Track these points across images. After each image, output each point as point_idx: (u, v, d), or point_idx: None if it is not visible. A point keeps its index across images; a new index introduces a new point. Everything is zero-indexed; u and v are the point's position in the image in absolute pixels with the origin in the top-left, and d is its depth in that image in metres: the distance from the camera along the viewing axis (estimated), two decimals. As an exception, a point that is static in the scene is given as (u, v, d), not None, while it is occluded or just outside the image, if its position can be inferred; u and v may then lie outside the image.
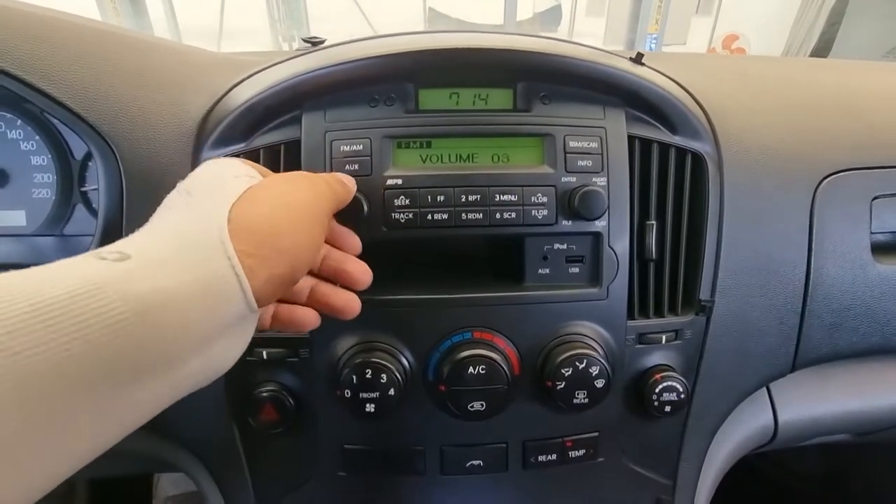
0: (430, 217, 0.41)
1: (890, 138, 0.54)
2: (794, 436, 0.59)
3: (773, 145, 0.51)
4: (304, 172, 0.37)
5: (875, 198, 0.53)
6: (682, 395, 0.46)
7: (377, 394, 0.40)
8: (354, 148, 0.41)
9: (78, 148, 0.59)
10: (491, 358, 0.41)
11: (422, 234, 0.42)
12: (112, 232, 0.44)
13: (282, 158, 0.43)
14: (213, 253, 0.26)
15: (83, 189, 0.59)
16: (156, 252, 0.26)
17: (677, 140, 0.46)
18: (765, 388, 0.57)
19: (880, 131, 0.55)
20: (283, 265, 0.29)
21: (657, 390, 0.45)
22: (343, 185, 0.38)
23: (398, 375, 0.41)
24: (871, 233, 0.53)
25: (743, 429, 0.56)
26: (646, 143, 0.46)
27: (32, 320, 0.18)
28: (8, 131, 0.58)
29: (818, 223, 0.50)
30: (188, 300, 0.24)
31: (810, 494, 1.04)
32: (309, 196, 0.33)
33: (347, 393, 0.40)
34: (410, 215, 0.41)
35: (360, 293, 0.43)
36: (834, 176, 0.52)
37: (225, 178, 0.32)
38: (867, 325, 0.53)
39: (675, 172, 0.46)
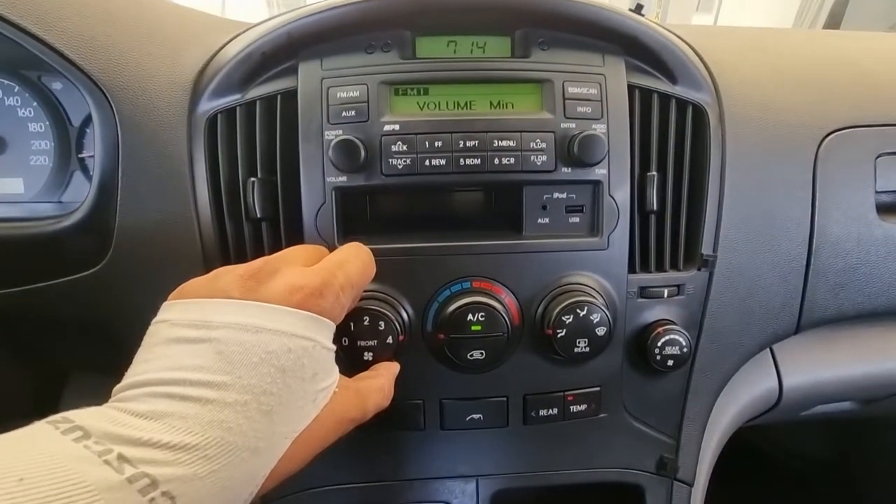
0: (427, 163, 0.41)
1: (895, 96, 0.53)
2: (798, 401, 0.58)
3: (775, 99, 0.50)
4: None
5: (879, 156, 0.52)
6: (685, 349, 0.45)
7: (375, 342, 0.40)
8: (351, 94, 0.41)
9: (76, 114, 0.58)
10: (490, 305, 0.41)
11: (420, 181, 0.41)
12: (106, 192, 0.44)
13: (278, 108, 0.43)
14: None
15: (81, 156, 0.59)
16: None
17: (678, 90, 0.46)
18: (769, 352, 0.56)
19: (885, 89, 0.54)
20: None
21: (660, 343, 0.45)
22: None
23: (397, 324, 0.40)
24: (876, 191, 0.52)
25: (747, 392, 0.55)
26: (646, 94, 0.45)
27: None
28: (5, 98, 0.58)
29: (821, 180, 0.50)
30: None
31: (814, 476, 1.03)
32: None
33: (345, 341, 0.40)
34: (408, 161, 0.41)
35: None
36: (837, 133, 0.51)
37: None
38: (873, 286, 0.53)
39: (675, 124, 0.46)
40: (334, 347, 0.32)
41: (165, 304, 0.32)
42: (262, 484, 0.28)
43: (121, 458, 0.22)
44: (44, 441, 0.23)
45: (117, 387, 0.28)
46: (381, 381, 0.38)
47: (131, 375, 0.28)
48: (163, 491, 0.22)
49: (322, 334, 0.31)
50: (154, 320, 0.31)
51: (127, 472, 0.22)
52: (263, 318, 0.29)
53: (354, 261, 0.36)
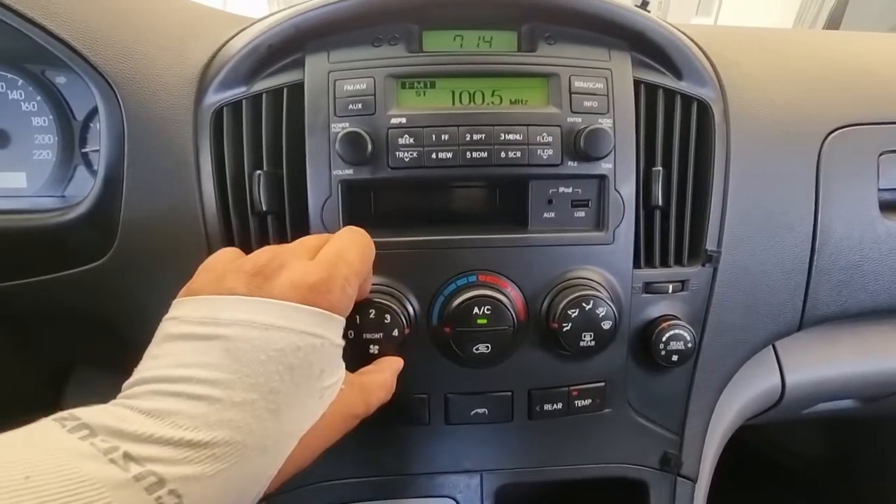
0: (434, 156, 0.41)
1: (898, 93, 0.54)
2: (800, 398, 0.59)
3: (779, 96, 0.50)
4: None
5: (882, 153, 0.52)
6: (690, 345, 0.45)
7: (381, 335, 0.40)
8: (358, 87, 0.41)
9: (79, 109, 0.58)
10: (497, 299, 0.41)
11: (426, 174, 0.41)
12: (111, 184, 0.43)
13: (284, 101, 0.43)
14: None
15: (84, 150, 0.59)
16: None
17: (683, 86, 0.46)
18: (772, 349, 0.56)
19: (888, 88, 0.54)
20: None
21: (664, 339, 0.45)
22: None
23: (402, 318, 0.40)
24: (879, 189, 0.52)
25: (750, 388, 0.55)
26: (651, 90, 0.45)
27: None
28: (9, 92, 0.57)
29: (825, 177, 0.50)
30: None
31: (815, 476, 1.03)
32: None
33: (351, 334, 0.40)
34: (414, 154, 0.41)
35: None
36: (841, 130, 0.51)
37: None
38: (875, 283, 0.53)
39: (680, 120, 0.46)
40: (342, 343, 0.32)
41: (175, 301, 0.32)
42: (269, 483, 0.28)
43: (127, 455, 0.22)
44: (50, 439, 0.23)
45: (126, 383, 0.28)
46: (384, 377, 0.37)
47: (139, 372, 0.28)
48: (170, 489, 0.22)
49: (332, 330, 0.31)
50: (164, 317, 0.31)
51: (133, 471, 0.22)
52: (272, 316, 0.28)
53: (353, 247, 0.35)
